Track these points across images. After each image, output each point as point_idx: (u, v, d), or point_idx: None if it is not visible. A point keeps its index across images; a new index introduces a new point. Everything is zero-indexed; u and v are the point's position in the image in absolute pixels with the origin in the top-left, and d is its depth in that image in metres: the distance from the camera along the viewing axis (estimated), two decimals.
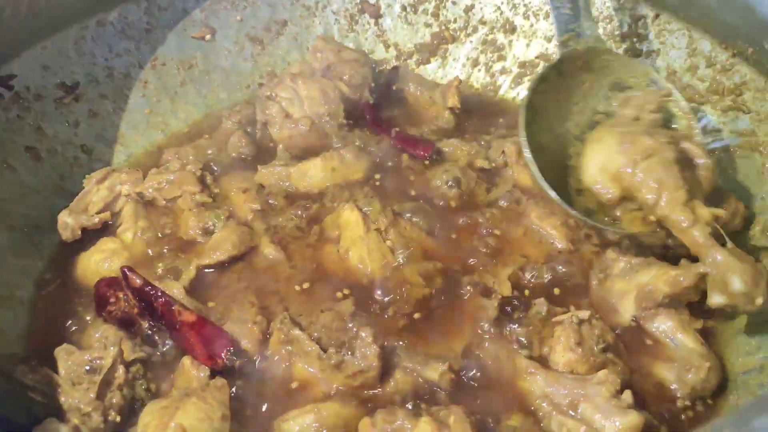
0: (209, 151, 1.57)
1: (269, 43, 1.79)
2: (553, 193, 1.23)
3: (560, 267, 1.29)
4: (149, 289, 1.20)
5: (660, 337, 1.18)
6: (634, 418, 1.00)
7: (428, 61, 1.84)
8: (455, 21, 1.80)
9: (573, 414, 1.05)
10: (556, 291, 1.25)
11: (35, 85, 1.43)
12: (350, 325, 1.14)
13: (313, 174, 1.45)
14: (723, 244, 1.12)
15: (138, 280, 1.21)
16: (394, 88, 1.77)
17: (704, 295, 1.19)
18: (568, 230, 1.35)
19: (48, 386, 1.06)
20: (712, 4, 1.35)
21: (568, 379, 1.08)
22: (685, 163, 1.19)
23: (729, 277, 1.07)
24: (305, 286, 1.25)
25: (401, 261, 1.26)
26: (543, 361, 1.13)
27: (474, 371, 1.12)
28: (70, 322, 1.23)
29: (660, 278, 1.18)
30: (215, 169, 1.53)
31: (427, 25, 1.82)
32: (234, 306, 1.24)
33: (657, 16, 1.53)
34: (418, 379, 1.09)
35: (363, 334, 1.09)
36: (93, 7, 1.51)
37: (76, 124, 1.51)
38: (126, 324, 1.20)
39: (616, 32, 1.61)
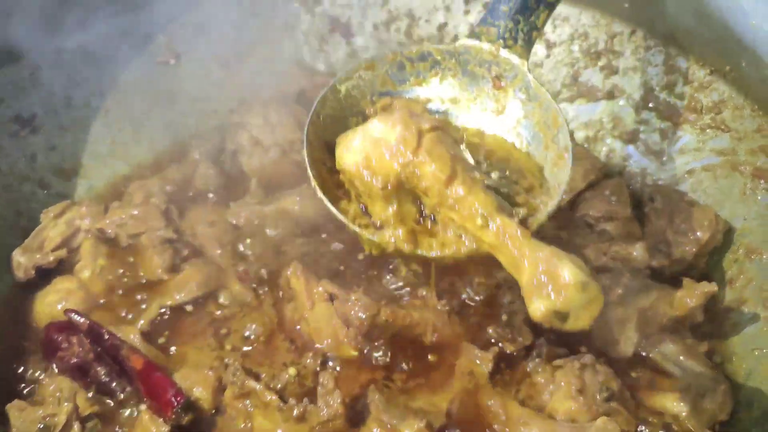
0: (175, 184, 1.50)
1: (237, 67, 1.73)
2: (333, 210, 0.99)
3: None
4: (97, 330, 1.13)
5: (666, 366, 1.12)
6: None
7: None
8: (428, 39, 1.75)
9: None
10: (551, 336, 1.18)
11: None
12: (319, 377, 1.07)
13: (289, 212, 1.38)
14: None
15: (84, 321, 1.15)
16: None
17: (708, 315, 1.15)
18: None
19: None
20: (688, 21, 1.31)
21: (566, 428, 1.02)
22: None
23: (558, 265, 0.79)
24: (269, 340, 1.19)
25: (360, 340, 1.13)
26: (540, 409, 1.06)
27: (463, 425, 1.05)
28: (22, 372, 1.15)
29: (663, 300, 1.13)
30: (183, 200, 1.47)
31: (400, 44, 1.78)
32: (193, 351, 1.17)
33: (633, 32, 1.50)
34: None
35: (324, 381, 1.03)
36: (49, 35, 1.44)
37: (33, 158, 1.44)
38: (81, 371, 1.13)
39: (592, 49, 1.57)
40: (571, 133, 1.54)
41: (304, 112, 1.60)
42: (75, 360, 1.14)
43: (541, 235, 0.89)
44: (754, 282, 1.19)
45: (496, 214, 0.81)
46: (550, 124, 0.99)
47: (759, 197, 1.23)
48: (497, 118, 1.06)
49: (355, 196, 0.94)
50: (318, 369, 1.12)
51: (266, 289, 1.29)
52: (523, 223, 0.87)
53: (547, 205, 0.92)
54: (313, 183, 0.98)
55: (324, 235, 1.36)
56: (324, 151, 1.03)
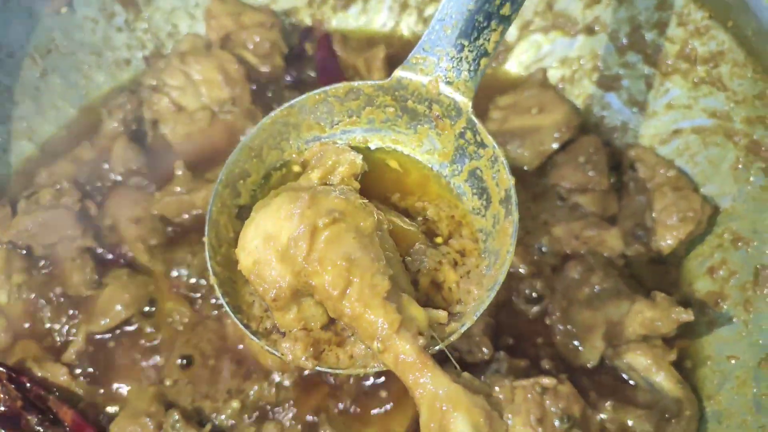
0: (90, 167, 1.31)
1: (146, 5, 1.43)
2: (233, 317, 0.83)
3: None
4: (17, 378, 1.04)
5: (633, 377, 1.07)
6: None
7: (347, 6, 1.51)
8: None
9: None
10: (510, 341, 1.11)
11: None
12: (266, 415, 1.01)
13: None
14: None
15: (1, 371, 1.05)
16: (309, 53, 1.46)
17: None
18: (524, 249, 1.18)
19: None
20: None
21: None
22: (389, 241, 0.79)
23: (451, 419, 0.69)
24: (211, 363, 1.09)
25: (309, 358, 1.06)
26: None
27: None
28: None
29: (634, 318, 1.05)
30: (100, 188, 1.29)
31: None
32: (128, 388, 1.09)
33: None
34: None
35: None
36: None
37: None
38: (10, 421, 1.05)
39: None
40: (543, 73, 1.36)
41: (233, 59, 1.37)
42: (2, 409, 1.05)
43: None
44: (738, 276, 1.08)
45: (395, 336, 0.68)
46: (498, 180, 0.80)
47: (752, 177, 1.08)
48: (444, 164, 0.86)
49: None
50: (259, 400, 1.05)
51: (206, 298, 1.17)
52: (437, 322, 0.73)
53: (470, 299, 0.77)
54: (212, 280, 0.81)
55: None
56: (235, 221, 0.85)
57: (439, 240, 0.82)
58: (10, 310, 1.16)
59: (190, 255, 1.20)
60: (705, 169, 1.17)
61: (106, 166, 1.31)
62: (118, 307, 1.13)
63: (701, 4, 1.13)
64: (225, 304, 0.80)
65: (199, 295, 1.17)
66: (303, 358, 0.74)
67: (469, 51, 0.82)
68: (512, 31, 1.42)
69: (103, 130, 1.35)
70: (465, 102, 0.82)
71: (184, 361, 1.11)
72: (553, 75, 1.38)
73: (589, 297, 1.10)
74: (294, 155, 0.90)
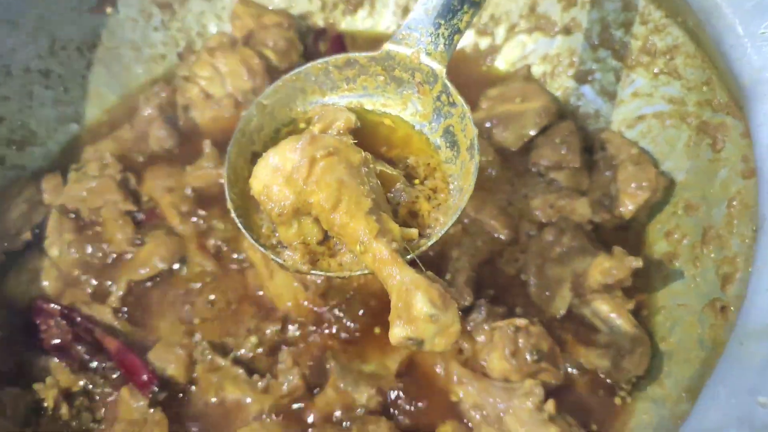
0: (130, 146, 1.50)
1: (179, 7, 1.64)
2: (244, 231, 1.01)
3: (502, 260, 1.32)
4: (69, 314, 1.22)
5: (596, 323, 1.23)
6: (554, 430, 1.07)
7: (355, 10, 1.71)
8: None
9: (498, 426, 1.11)
10: (491, 292, 1.27)
11: None
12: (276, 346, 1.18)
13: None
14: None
15: (55, 308, 1.23)
16: (322, 51, 1.66)
17: (637, 275, 1.23)
18: (506, 218, 1.35)
19: None
20: None
21: (498, 389, 1.13)
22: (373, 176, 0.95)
23: (411, 296, 0.82)
24: (233, 307, 1.27)
25: (317, 300, 1.24)
26: (479, 369, 1.17)
27: (408, 388, 1.17)
28: (7, 356, 1.25)
29: (595, 268, 1.21)
30: (139, 163, 1.48)
31: None
32: (163, 325, 1.27)
33: None
34: (348, 398, 1.15)
35: (283, 359, 1.13)
36: None
37: None
38: (62, 350, 1.23)
39: None
40: (528, 69, 1.54)
41: (254, 55, 1.56)
42: (55, 341, 1.24)
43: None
44: (688, 237, 1.24)
45: (373, 240, 0.85)
46: (466, 133, 0.99)
47: (701, 152, 1.25)
48: (424, 123, 1.05)
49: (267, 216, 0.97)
50: (275, 337, 1.22)
51: (227, 254, 1.35)
52: (409, 244, 0.91)
53: (438, 223, 0.95)
54: (229, 205, 1.00)
55: None
56: (250, 164, 1.03)
57: (416, 182, 1.00)
58: (61, 263, 1.35)
59: (215, 220, 1.38)
60: (663, 149, 1.34)
61: (144, 144, 1.51)
62: (156, 260, 1.32)
63: (659, 5, 1.31)
64: (239, 224, 0.99)
65: (225, 248, 1.34)
66: (300, 264, 0.92)
67: (444, 29, 1.01)
68: (500, 33, 1.61)
69: (140, 115, 1.55)
70: (440, 69, 1.01)
71: (210, 305, 1.29)
72: (536, 70, 1.56)
73: (559, 255, 1.27)
74: (300, 114, 1.09)
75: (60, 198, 1.40)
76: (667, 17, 1.30)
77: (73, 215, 1.40)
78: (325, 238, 0.95)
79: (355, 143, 0.96)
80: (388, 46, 1.05)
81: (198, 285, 1.31)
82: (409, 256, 0.89)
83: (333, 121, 1.00)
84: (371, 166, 0.93)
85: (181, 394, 1.20)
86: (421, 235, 0.94)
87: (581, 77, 1.50)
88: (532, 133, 1.45)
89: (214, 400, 1.18)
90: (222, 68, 1.54)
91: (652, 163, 1.32)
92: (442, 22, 1.01)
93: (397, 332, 0.81)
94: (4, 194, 1.39)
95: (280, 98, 1.08)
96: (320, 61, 1.08)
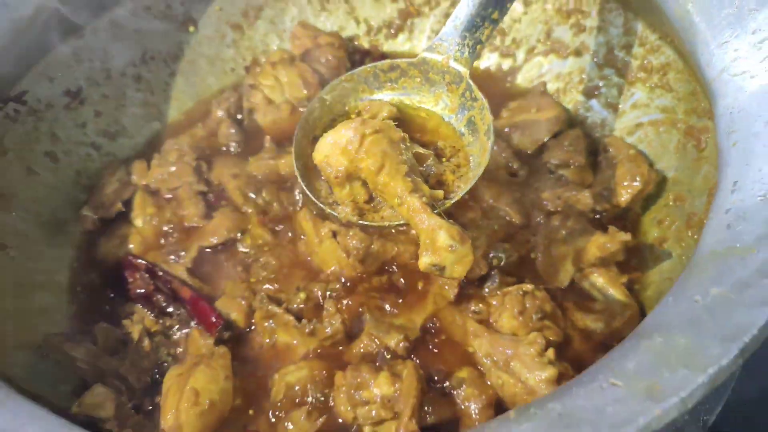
0: (203, 141, 1.79)
1: (248, 29, 1.94)
2: (307, 192, 1.28)
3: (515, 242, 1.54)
4: (152, 269, 1.47)
5: (593, 293, 1.43)
6: (552, 370, 1.26)
7: (396, 35, 1.99)
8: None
9: (507, 369, 1.31)
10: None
11: (44, 96, 1.64)
12: (321, 301, 1.41)
13: None
14: None
15: (141, 263, 1.49)
16: None
17: (629, 253, 1.44)
18: (520, 206, 1.58)
19: (91, 357, 1.36)
20: None
21: (507, 340, 1.34)
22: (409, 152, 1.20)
23: (436, 233, 1.06)
24: (285, 270, 1.51)
25: (357, 265, 1.44)
26: (492, 326, 1.37)
27: (431, 336, 1.38)
28: (101, 301, 1.52)
29: (593, 244, 1.42)
30: (209, 155, 1.76)
31: (393, 1, 1.96)
32: (227, 282, 1.51)
33: None
34: (380, 344, 1.36)
35: (328, 307, 1.36)
36: (85, 17, 1.68)
37: (84, 125, 1.73)
38: (145, 298, 1.49)
39: (563, 8, 1.74)
40: (544, 85, 1.79)
41: (310, 70, 1.85)
42: (140, 291, 1.49)
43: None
44: (677, 223, 1.44)
45: (408, 195, 1.11)
46: (484, 121, 1.24)
47: (688, 152, 1.46)
48: (452, 115, 1.31)
49: (326, 179, 1.23)
50: (321, 294, 1.45)
51: (282, 228, 1.60)
52: (436, 199, 1.16)
53: (460, 188, 1.20)
54: (296, 173, 1.27)
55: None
56: (311, 144, 1.30)
57: (444, 159, 1.25)
58: (144, 232, 1.62)
59: (275, 202, 1.64)
60: (658, 151, 1.56)
61: (213, 140, 1.80)
62: (223, 230, 1.58)
63: (654, 29, 1.55)
64: (303, 187, 1.27)
65: (279, 227, 1.60)
66: (351, 216, 1.16)
67: (469, 40, 1.28)
68: (521, 55, 1.87)
69: (212, 117, 1.84)
70: (465, 71, 1.27)
71: (266, 269, 1.53)
72: (551, 87, 1.81)
73: (564, 236, 1.48)
74: (352, 107, 1.36)
75: (144, 179, 1.69)
76: (660, 39, 1.54)
77: (154, 194, 1.68)
78: (370, 199, 1.20)
79: (396, 125, 1.21)
80: (423, 54, 1.32)
81: (256, 253, 1.56)
82: (435, 211, 1.13)
83: (379, 111, 1.26)
84: (408, 144, 1.18)
85: (240, 337, 1.43)
86: (445, 198, 1.18)
87: (589, 92, 1.73)
88: (546, 137, 1.68)
89: (267, 341, 1.41)
90: (282, 79, 1.83)
91: (647, 162, 1.54)
92: (467, 34, 1.28)
93: (425, 260, 1.05)
94: (100, 174, 1.68)
95: (337, 94, 1.36)
96: (369, 65, 1.36)
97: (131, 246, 1.59)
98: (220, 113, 1.84)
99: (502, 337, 1.35)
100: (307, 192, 1.25)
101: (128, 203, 1.66)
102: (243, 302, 1.44)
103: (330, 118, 1.36)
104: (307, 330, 1.39)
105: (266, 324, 1.42)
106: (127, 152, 1.80)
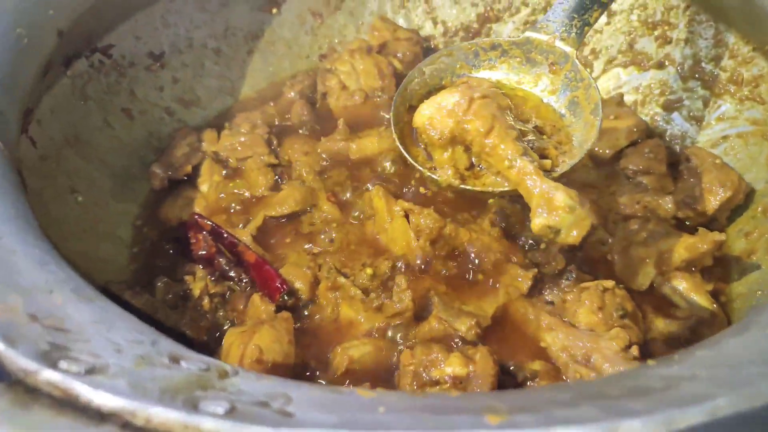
0: (273, 118, 1.78)
1: (328, 17, 1.96)
2: (407, 155, 1.26)
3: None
4: (218, 230, 1.44)
5: (675, 299, 1.35)
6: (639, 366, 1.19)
7: (473, 39, 1.99)
8: (499, 2, 1.94)
9: (586, 363, 1.24)
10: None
11: (129, 54, 1.65)
12: (388, 278, 1.36)
13: (369, 149, 1.64)
14: None
15: (208, 223, 1.45)
16: None
17: (716, 260, 1.37)
18: (596, 207, 1.52)
19: (150, 308, 1.31)
20: (734, 2, 1.47)
21: (585, 334, 1.27)
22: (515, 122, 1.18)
23: (553, 193, 1.01)
24: (352, 248, 1.45)
25: (427, 246, 1.39)
26: (566, 321, 1.31)
27: (501, 327, 1.31)
28: (162, 258, 1.48)
29: (681, 245, 1.35)
30: (279, 133, 1.75)
31: (474, 5, 1.97)
32: (292, 253, 1.46)
33: (688, 6, 1.65)
34: (449, 328, 1.30)
35: (399, 282, 1.31)
36: None
37: (161, 89, 1.74)
38: (207, 261, 1.45)
39: (649, 19, 1.73)
40: (621, 96, 1.77)
41: (386, 62, 1.85)
42: (202, 252, 1.45)
43: (564, 179, 1.15)
44: (766, 236, 1.39)
45: (519, 157, 1.07)
46: (590, 100, 1.21)
47: None
48: (552, 96, 1.28)
49: (424, 145, 1.20)
50: (388, 272, 1.39)
51: (350, 208, 1.55)
52: (543, 168, 1.11)
53: (566, 163, 1.16)
54: (395, 136, 1.25)
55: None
56: (407, 113, 1.29)
57: (544, 137, 1.21)
58: (209, 197, 1.59)
59: (343, 178, 1.61)
60: (746, 163, 1.51)
61: (284, 119, 1.79)
62: (291, 201, 1.54)
63: (747, 40, 1.53)
64: (401, 149, 1.22)
65: (346, 198, 1.56)
66: (452, 179, 1.12)
67: (577, 21, 1.26)
68: (598, 66, 1.85)
69: (285, 96, 1.84)
70: (572, 51, 1.25)
71: (332, 243, 1.49)
72: (628, 99, 1.79)
73: (644, 239, 1.42)
74: (449, 83, 1.33)
75: (214, 147, 1.67)
76: (755, 50, 1.51)
77: (222, 161, 1.66)
78: (471, 166, 1.17)
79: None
80: (528, 33, 1.30)
81: (323, 228, 1.52)
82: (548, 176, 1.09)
83: (479, 84, 1.24)
84: (514, 114, 1.15)
85: (302, 309, 1.38)
86: (551, 171, 1.15)
87: (670, 105, 1.70)
88: (624, 144, 1.65)
89: (330, 313, 1.35)
90: (359, 67, 1.83)
91: (735, 171, 1.49)
92: (575, 16, 1.26)
93: (539, 221, 1.00)
94: (173, 136, 1.68)
95: (435, 68, 1.34)
96: (470, 42, 1.34)
97: (196, 209, 1.56)
98: (292, 93, 1.83)
99: (580, 331, 1.28)
100: (405, 154, 1.22)
101: (196, 169, 1.64)
102: (308, 271, 1.40)
103: (426, 90, 1.34)
104: (374, 305, 1.34)
105: (331, 295, 1.37)
106: (198, 122, 1.79)
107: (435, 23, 2.01)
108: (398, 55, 1.90)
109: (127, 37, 1.64)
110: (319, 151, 1.68)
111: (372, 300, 1.33)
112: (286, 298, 1.34)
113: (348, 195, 1.58)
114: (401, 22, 2.00)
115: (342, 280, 1.36)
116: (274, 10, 1.89)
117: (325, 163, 1.66)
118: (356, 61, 1.83)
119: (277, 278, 1.36)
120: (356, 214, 1.55)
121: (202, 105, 1.81)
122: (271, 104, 1.83)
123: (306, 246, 1.49)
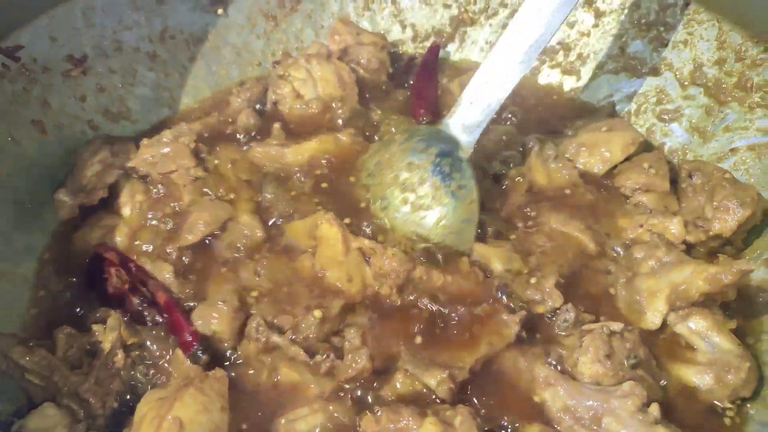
0: (212, 129, 1.52)
1: (282, 20, 1.74)
2: None
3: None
4: (126, 263, 1.18)
5: (693, 340, 1.14)
6: None
7: (445, 46, 1.79)
8: (475, 3, 1.74)
9: (596, 428, 1.01)
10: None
11: (42, 57, 1.39)
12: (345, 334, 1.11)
13: (308, 152, 1.42)
14: None
15: (114, 254, 1.19)
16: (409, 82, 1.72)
17: (740, 294, 1.16)
18: (593, 233, 1.31)
19: (46, 369, 1.04)
20: None
21: (591, 390, 1.04)
22: None
23: None
24: (285, 289, 1.19)
25: (393, 294, 1.17)
26: (566, 372, 1.09)
27: (484, 382, 1.08)
28: (69, 301, 1.21)
29: (698, 276, 1.13)
30: (216, 141, 1.48)
31: (446, 6, 1.77)
32: (212, 285, 1.20)
33: (687, 4, 1.47)
34: (419, 384, 1.06)
35: (351, 338, 1.06)
36: None
37: (83, 99, 1.48)
38: (117, 300, 1.18)
39: (643, 20, 1.54)
40: (612, 106, 1.57)
41: (347, 68, 1.62)
42: (111, 290, 1.19)
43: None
44: None
45: None
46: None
47: None
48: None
49: None
50: (338, 315, 1.15)
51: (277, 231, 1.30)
52: None
53: None
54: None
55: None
56: None
57: None
58: (132, 222, 1.32)
59: (272, 198, 1.36)
60: (759, 178, 1.31)
61: (225, 128, 1.53)
62: (201, 226, 1.26)
63: (757, 40, 1.34)
64: None
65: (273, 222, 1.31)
66: None
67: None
68: (586, 73, 1.65)
69: (231, 106, 1.59)
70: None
71: (266, 277, 1.21)
72: (621, 108, 1.59)
73: (653, 268, 1.20)
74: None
75: (132, 161, 1.40)
76: (766, 52, 1.32)
77: (144, 179, 1.39)
78: None
79: None
80: None
81: (250, 253, 1.25)
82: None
83: None
84: None
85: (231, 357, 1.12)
86: None
87: (667, 114, 1.51)
88: (619, 158, 1.44)
89: (266, 379, 1.08)
90: (316, 73, 1.60)
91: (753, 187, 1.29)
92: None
93: None
94: (79, 153, 1.41)
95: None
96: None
97: (118, 239, 1.29)
98: (239, 101, 1.59)
99: (584, 386, 1.04)
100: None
101: (113, 189, 1.37)
102: (224, 307, 1.13)
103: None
104: (322, 369, 1.08)
105: (266, 359, 1.10)
106: (127, 136, 1.53)
107: (403, 27, 1.80)
108: (362, 61, 1.68)
109: (41, 36, 1.39)
110: (249, 158, 1.42)
111: (319, 363, 1.08)
112: (200, 354, 1.08)
113: (277, 219, 1.32)
114: (366, 25, 1.78)
115: (276, 339, 1.10)
116: (220, 11, 1.66)
117: (257, 172, 1.41)
118: (313, 67, 1.60)
119: (186, 329, 1.10)
120: (278, 222, 1.31)
121: (133, 118, 1.56)
122: (215, 114, 1.58)
123: (227, 273, 1.22)
